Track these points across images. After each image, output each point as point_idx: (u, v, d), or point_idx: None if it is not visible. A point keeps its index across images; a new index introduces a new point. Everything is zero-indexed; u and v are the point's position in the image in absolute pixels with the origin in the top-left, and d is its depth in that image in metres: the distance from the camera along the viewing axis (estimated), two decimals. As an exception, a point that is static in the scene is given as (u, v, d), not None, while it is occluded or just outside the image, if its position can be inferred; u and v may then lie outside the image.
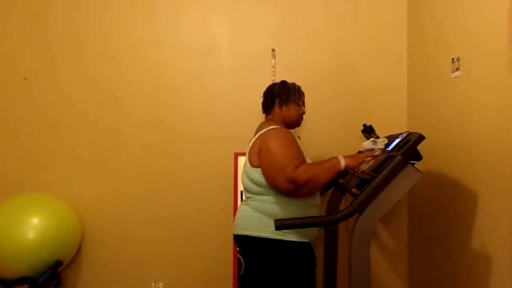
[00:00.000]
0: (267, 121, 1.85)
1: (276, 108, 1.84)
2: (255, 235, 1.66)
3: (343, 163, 1.58)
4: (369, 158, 1.62)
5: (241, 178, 1.82)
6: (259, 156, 1.67)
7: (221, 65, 2.47)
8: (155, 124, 2.46)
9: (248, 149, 1.78)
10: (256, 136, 1.75)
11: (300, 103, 1.87)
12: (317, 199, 1.78)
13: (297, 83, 1.91)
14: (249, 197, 1.77)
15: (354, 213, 1.50)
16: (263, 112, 1.92)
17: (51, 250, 2.10)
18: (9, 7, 2.49)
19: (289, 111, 1.83)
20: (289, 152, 1.61)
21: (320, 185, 1.62)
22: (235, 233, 1.76)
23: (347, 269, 1.55)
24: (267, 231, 1.63)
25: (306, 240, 1.68)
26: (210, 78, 2.47)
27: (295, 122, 1.88)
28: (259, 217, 1.67)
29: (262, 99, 1.91)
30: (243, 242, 1.74)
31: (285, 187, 1.57)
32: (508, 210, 1.44)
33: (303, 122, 1.94)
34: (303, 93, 1.90)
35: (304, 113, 1.90)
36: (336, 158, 1.60)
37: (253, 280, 1.73)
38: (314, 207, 1.74)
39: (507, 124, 1.44)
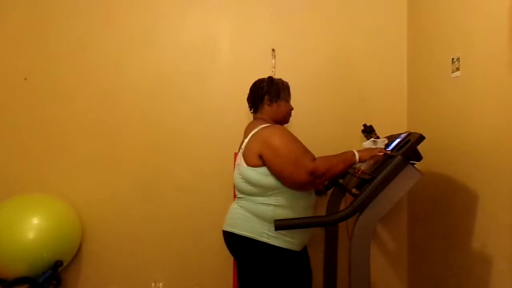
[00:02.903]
0: (256, 120, 1.81)
1: (266, 106, 1.81)
2: (240, 234, 1.66)
3: (357, 156, 1.63)
4: (381, 154, 1.64)
5: (234, 178, 1.77)
6: (265, 158, 1.62)
7: (221, 65, 2.47)
8: (155, 123, 2.46)
9: (241, 150, 1.73)
10: (249, 136, 1.70)
11: (289, 99, 1.87)
12: (311, 200, 1.76)
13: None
14: (241, 198, 1.74)
15: (354, 213, 1.50)
16: (250, 109, 1.88)
17: (51, 250, 2.10)
18: (9, 7, 2.49)
19: (279, 107, 1.82)
20: (298, 146, 1.63)
21: (334, 175, 1.67)
22: (223, 229, 1.76)
23: (347, 269, 1.55)
24: (254, 232, 1.63)
25: (291, 248, 1.65)
26: (210, 78, 2.47)
27: (284, 119, 1.87)
28: (248, 217, 1.66)
29: (248, 95, 1.88)
30: (229, 239, 1.74)
31: (305, 179, 1.56)
32: (508, 210, 1.44)
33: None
34: (290, 89, 1.89)
35: (292, 109, 1.89)
36: (351, 151, 1.65)
37: (242, 277, 1.74)
38: (308, 209, 1.73)
39: (507, 124, 1.44)
